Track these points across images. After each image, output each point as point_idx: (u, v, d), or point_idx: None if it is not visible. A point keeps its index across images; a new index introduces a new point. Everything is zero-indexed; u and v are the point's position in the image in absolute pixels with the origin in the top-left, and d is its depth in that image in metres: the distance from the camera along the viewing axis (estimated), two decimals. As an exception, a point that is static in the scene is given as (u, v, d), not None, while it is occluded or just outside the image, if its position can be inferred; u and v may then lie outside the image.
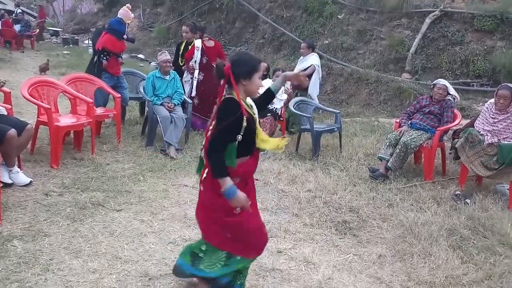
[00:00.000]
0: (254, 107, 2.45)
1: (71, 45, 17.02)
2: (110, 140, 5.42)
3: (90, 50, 14.99)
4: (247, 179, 2.42)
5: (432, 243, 3.40)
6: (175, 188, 4.22)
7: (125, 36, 6.07)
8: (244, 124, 2.25)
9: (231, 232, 2.38)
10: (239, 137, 2.25)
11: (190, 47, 6.42)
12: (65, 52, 14.87)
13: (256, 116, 2.41)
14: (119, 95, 5.57)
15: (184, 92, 6.06)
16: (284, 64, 10.55)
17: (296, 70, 6.90)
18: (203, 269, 2.45)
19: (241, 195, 2.24)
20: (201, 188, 2.42)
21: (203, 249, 2.47)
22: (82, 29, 20.62)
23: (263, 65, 2.35)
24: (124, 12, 6.12)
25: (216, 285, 2.47)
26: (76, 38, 18.29)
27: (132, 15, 6.38)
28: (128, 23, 6.20)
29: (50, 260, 2.78)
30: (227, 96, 2.31)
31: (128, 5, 6.32)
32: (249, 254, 2.45)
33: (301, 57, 6.99)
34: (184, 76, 6.40)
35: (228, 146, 2.24)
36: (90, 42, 16.80)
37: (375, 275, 2.98)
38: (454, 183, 4.74)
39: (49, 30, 19.75)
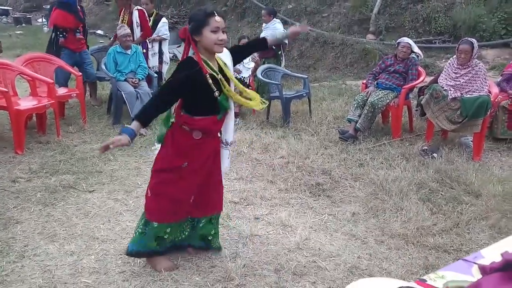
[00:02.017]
0: (228, 66, 2.42)
1: (23, 25, 16.13)
2: (76, 121, 5.26)
3: (45, 29, 14.26)
4: (207, 137, 2.40)
5: (403, 198, 3.53)
6: (147, 165, 4.16)
7: (79, 6, 5.73)
8: (210, 81, 2.25)
9: (155, 187, 2.43)
10: (217, 93, 2.27)
11: (151, 18, 6.18)
12: (18, 32, 14.11)
13: (230, 74, 2.39)
14: (80, 74, 5.37)
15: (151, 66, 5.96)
16: (249, 31, 10.39)
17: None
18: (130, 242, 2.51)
19: (124, 141, 2.13)
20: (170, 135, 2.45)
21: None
22: (34, 7, 19.49)
23: (217, 18, 2.22)
24: None
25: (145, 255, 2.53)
26: (29, 16, 17.32)
27: None
28: None
29: (25, 246, 2.73)
30: (188, 56, 2.30)
31: None
32: (163, 219, 2.45)
33: (264, 25, 6.90)
34: (149, 48, 6.19)
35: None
36: (44, 20, 15.99)
37: (350, 232, 3.08)
38: (421, 139, 4.90)
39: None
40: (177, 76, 2.24)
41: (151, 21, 6.16)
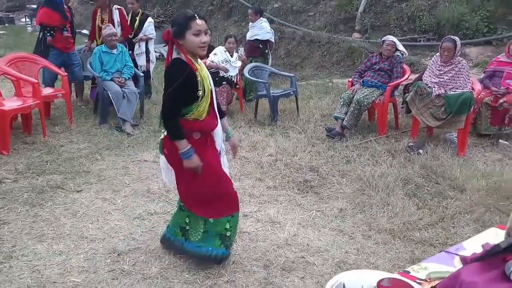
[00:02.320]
0: (208, 74, 2.44)
1: (6, 24, 15.85)
2: (62, 121, 5.22)
3: (29, 29, 14.04)
4: (206, 136, 2.45)
5: (389, 194, 3.59)
6: (135, 164, 4.16)
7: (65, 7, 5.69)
8: (199, 78, 2.28)
9: (195, 193, 2.46)
10: (200, 93, 2.29)
11: (137, 18, 6.18)
12: (1, 32, 13.86)
13: (207, 82, 2.38)
14: (65, 74, 5.32)
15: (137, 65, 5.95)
16: (236, 30, 10.39)
17: (248, 37, 6.83)
18: (193, 241, 2.55)
19: (195, 159, 2.31)
20: (165, 151, 2.45)
21: (187, 221, 2.56)
22: (17, 6, 19.17)
23: (199, 21, 2.22)
24: None
25: (217, 261, 2.55)
26: (11, 16, 17.02)
27: None
28: None
29: (13, 247, 2.71)
30: (175, 56, 2.32)
31: None
32: (221, 213, 2.49)
33: (251, 24, 6.91)
34: (135, 48, 6.18)
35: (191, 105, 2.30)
36: (28, 19, 15.73)
37: (337, 228, 3.12)
38: (407, 136, 4.97)
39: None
40: (174, 85, 2.23)
41: (137, 21, 6.15)
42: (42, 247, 2.72)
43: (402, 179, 3.85)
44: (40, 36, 5.65)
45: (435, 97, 4.58)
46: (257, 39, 6.68)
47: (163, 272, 2.51)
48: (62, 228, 2.95)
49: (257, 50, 6.72)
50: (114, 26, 5.67)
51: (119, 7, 5.90)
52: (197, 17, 2.22)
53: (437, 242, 2.97)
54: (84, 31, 14.10)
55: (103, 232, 2.94)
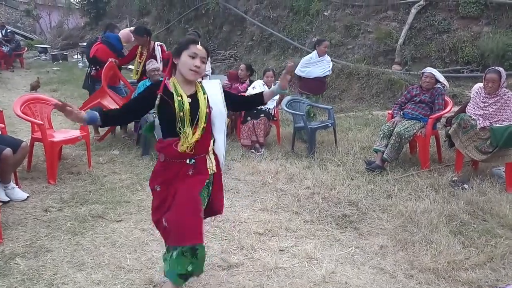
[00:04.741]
0: (212, 98, 2.41)
1: (60, 61, 16.96)
2: (106, 153, 5.42)
3: (80, 65, 14.94)
4: (174, 159, 2.37)
5: (432, 230, 3.43)
6: (174, 195, 4.22)
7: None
8: (157, 102, 2.29)
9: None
10: (154, 115, 2.37)
11: None
12: (55, 68, 14.83)
13: (203, 107, 2.34)
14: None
15: None
16: (275, 64, 10.57)
17: (319, 74, 6.47)
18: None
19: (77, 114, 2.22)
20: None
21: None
22: (71, 44, 20.57)
23: (198, 46, 2.31)
24: (125, 34, 6.22)
25: None
26: (65, 53, 18.23)
27: (133, 39, 6.21)
28: (124, 45, 6.26)
29: (54, 275, 2.79)
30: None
31: (132, 28, 6.36)
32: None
33: (317, 57, 6.52)
34: None
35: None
36: (80, 56, 16.76)
37: (378, 266, 3.00)
38: (451, 170, 4.77)
39: (37, 47, 19.68)
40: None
41: None
42: (82, 276, 2.78)
43: (446, 215, 3.68)
44: (88, 71, 6.06)
45: (480, 129, 4.41)
46: (327, 75, 6.76)
47: (198, 306, 2.49)
48: (101, 258, 3.02)
49: (324, 85, 6.78)
50: (156, 61, 5.92)
51: (160, 43, 6.20)
52: (198, 43, 2.33)
53: (486, 284, 2.78)
54: (130, 67, 14.83)
55: (140, 263, 2.97)
